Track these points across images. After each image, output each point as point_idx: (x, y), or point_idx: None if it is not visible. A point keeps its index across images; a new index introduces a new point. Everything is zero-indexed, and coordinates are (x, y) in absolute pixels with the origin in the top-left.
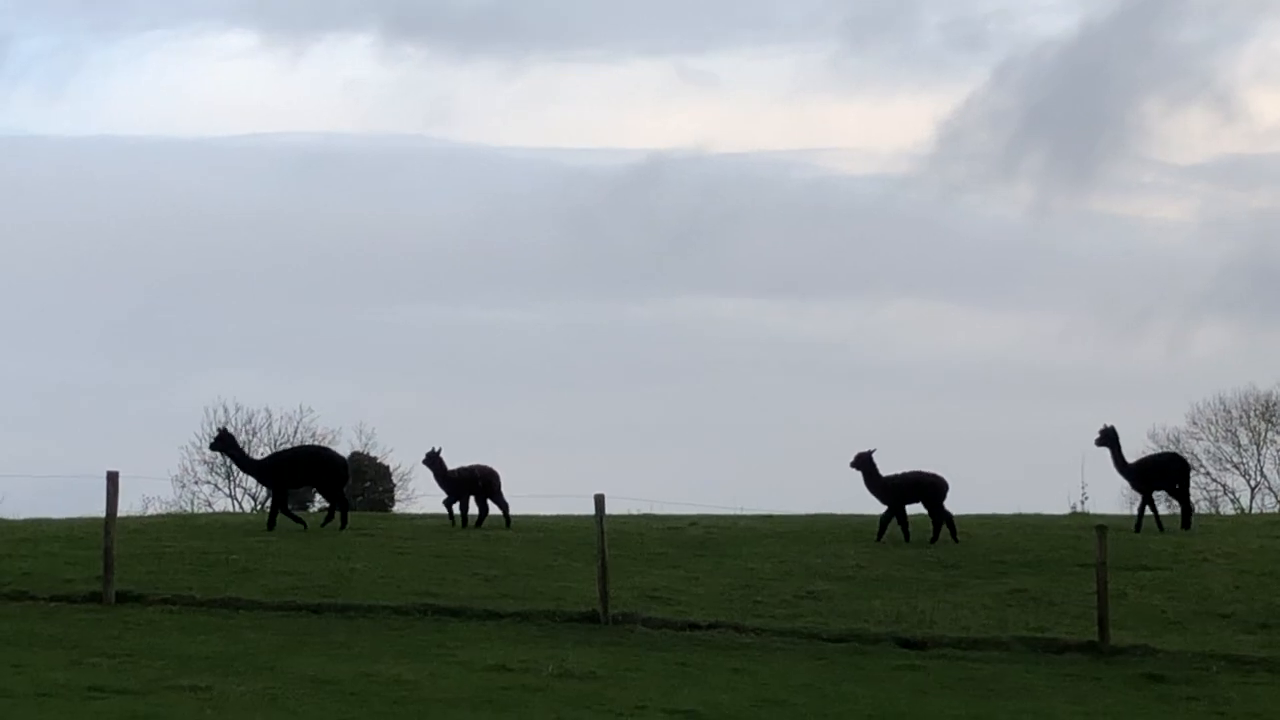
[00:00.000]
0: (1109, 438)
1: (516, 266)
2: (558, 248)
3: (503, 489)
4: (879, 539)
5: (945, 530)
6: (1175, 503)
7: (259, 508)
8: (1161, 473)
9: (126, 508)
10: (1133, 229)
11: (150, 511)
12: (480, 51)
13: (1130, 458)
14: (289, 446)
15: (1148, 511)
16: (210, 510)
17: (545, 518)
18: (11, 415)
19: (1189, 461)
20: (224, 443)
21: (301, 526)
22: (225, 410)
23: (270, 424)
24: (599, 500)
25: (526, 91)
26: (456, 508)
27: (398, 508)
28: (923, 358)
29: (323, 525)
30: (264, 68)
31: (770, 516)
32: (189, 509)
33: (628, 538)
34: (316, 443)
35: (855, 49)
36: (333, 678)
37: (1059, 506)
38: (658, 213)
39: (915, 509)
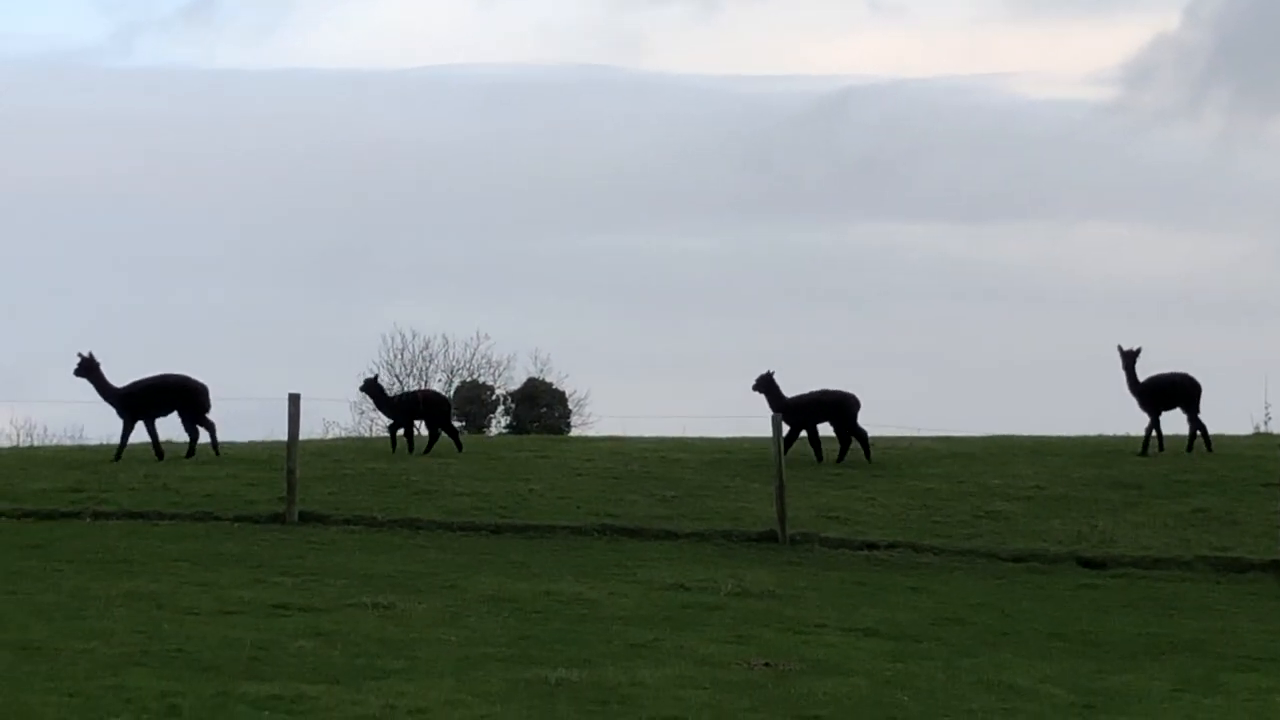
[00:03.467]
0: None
1: (696, 195)
2: (738, 176)
3: (450, 415)
4: (784, 453)
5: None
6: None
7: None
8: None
9: (308, 431)
10: None
11: (330, 435)
12: None
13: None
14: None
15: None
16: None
17: (722, 439)
18: (197, 341)
19: None
20: (86, 369)
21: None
22: (402, 337)
23: (447, 351)
24: (775, 421)
25: (714, 23)
26: (401, 433)
27: (574, 432)
28: (1104, 281)
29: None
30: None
31: (948, 437)
32: (367, 434)
33: (805, 458)
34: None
35: None
36: (513, 596)
37: (1242, 427)
38: (839, 140)
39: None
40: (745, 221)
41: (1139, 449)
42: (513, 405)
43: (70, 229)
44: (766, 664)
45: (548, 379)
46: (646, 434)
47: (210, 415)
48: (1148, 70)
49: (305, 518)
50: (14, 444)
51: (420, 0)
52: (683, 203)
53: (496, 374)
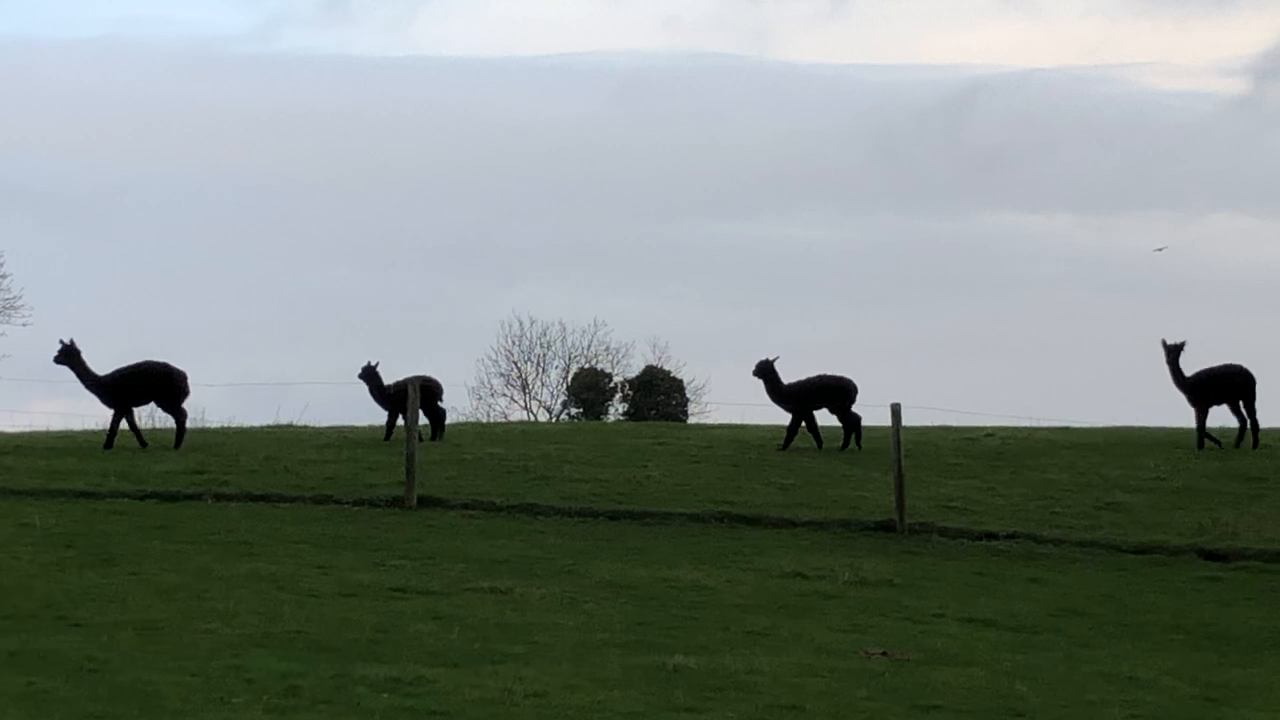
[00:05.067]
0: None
1: (821, 184)
2: (862, 165)
3: (441, 400)
4: (784, 448)
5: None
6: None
7: (554, 419)
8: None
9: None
10: None
11: (449, 420)
12: None
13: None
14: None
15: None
16: (506, 420)
17: (841, 428)
18: (320, 324)
19: None
20: (67, 356)
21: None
22: (520, 324)
23: (564, 338)
24: (895, 410)
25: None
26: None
27: (691, 420)
28: (1230, 273)
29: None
30: None
31: (1068, 428)
32: (485, 419)
33: (924, 448)
34: None
35: None
36: (631, 582)
37: None
38: (964, 130)
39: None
40: (869, 211)
41: (1200, 444)
42: (630, 392)
43: (202, 213)
44: (884, 653)
45: (666, 367)
46: (765, 422)
47: (185, 405)
48: (1278, 63)
49: (424, 502)
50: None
51: None
52: (807, 192)
53: (614, 361)
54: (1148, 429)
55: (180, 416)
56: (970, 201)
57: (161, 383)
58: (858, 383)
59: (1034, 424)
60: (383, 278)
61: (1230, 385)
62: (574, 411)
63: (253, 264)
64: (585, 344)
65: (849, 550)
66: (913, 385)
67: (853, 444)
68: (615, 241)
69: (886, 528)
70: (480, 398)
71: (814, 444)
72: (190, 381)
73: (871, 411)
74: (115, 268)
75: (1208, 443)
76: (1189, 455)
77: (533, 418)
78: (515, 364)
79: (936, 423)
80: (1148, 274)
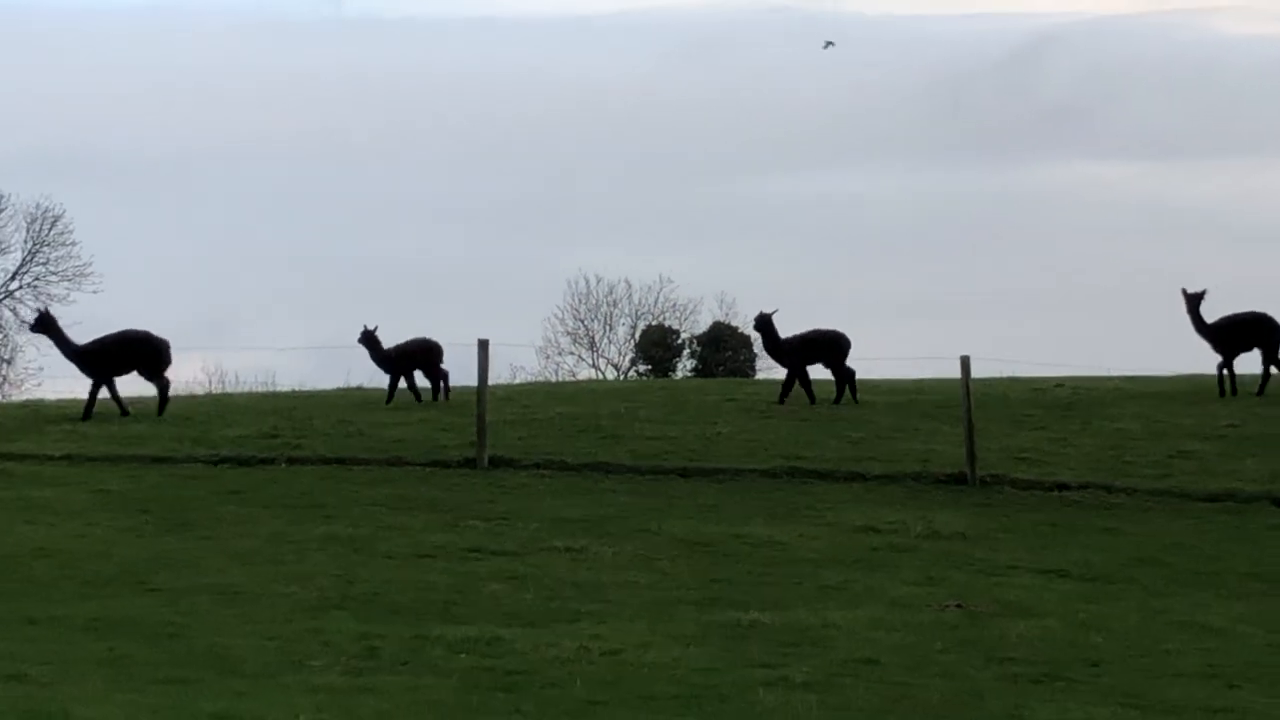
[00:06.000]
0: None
1: (887, 138)
2: (930, 118)
3: (442, 363)
4: (781, 402)
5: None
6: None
7: (622, 376)
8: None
9: (496, 376)
10: None
11: (518, 380)
12: None
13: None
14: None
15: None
16: (575, 379)
17: (910, 381)
18: (387, 288)
19: None
20: (44, 324)
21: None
22: (586, 282)
23: (630, 295)
24: (965, 362)
25: None
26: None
27: (760, 375)
28: None
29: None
30: None
31: (1138, 377)
32: (553, 378)
33: (994, 400)
34: None
35: None
36: (704, 539)
37: None
38: (1034, 81)
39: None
40: (936, 164)
41: (1221, 392)
42: (698, 349)
43: (269, 178)
44: (958, 606)
45: (733, 323)
46: (832, 377)
47: (168, 374)
48: None
49: (496, 462)
50: (207, 391)
51: None
52: (873, 145)
53: (682, 318)
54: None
55: (162, 384)
56: (1040, 153)
57: (143, 351)
58: (850, 336)
59: (1103, 373)
60: (448, 238)
61: (1254, 332)
62: (642, 369)
63: (320, 227)
64: (652, 301)
65: (921, 503)
66: (981, 337)
67: (847, 396)
68: (681, 198)
69: (958, 480)
70: (548, 356)
71: (806, 399)
72: (172, 350)
73: (940, 364)
74: (183, 234)
75: (1191, 391)
76: (1261, 403)
77: (601, 376)
78: (582, 322)
79: (1005, 374)
80: (1221, 221)
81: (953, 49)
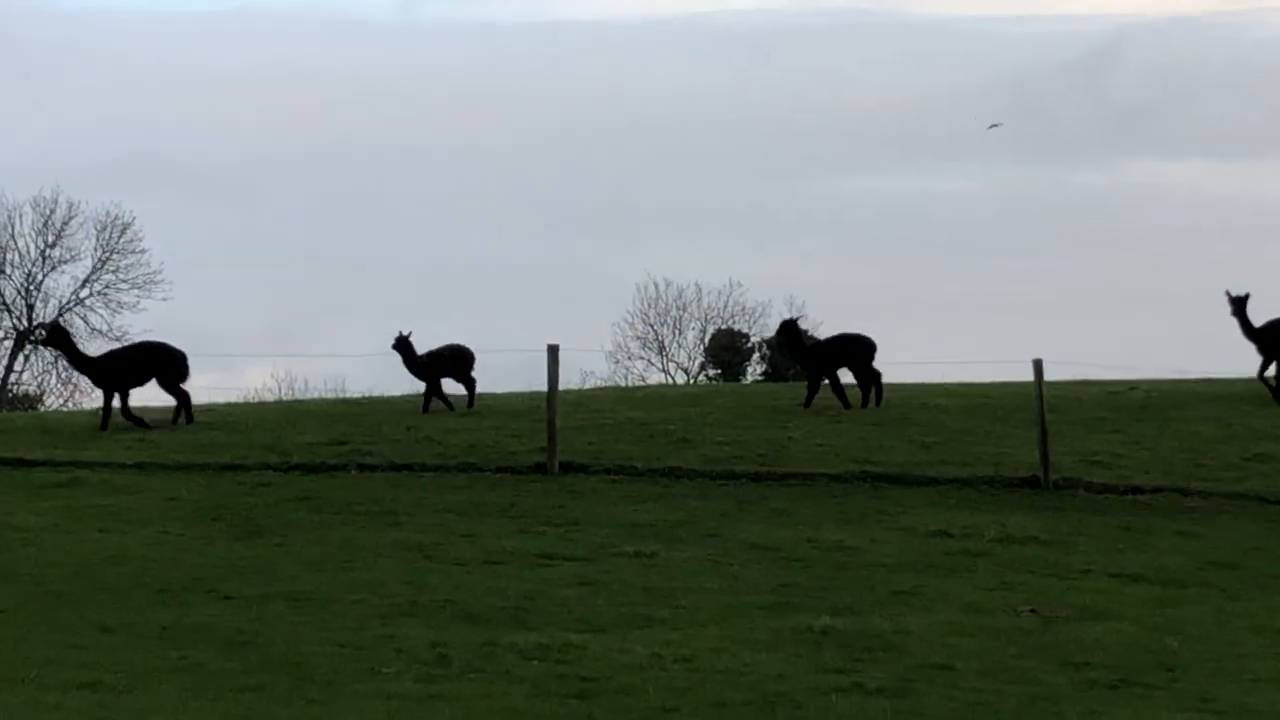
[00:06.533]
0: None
1: (958, 138)
2: (1001, 117)
3: (473, 369)
4: (806, 406)
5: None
6: None
7: (691, 381)
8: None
9: (566, 382)
10: None
11: (588, 385)
12: None
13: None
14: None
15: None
16: (644, 383)
17: (983, 384)
18: (458, 294)
19: None
20: (57, 337)
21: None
22: (656, 286)
23: (700, 299)
24: (1037, 365)
25: None
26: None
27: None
28: None
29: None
30: None
31: (1213, 379)
32: (623, 383)
33: (1066, 402)
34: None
35: None
36: (775, 543)
37: None
38: (1106, 81)
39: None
40: (1008, 164)
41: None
42: (769, 352)
43: (341, 184)
44: (1033, 610)
45: (804, 325)
46: (906, 380)
47: (185, 385)
48: None
49: (566, 467)
50: (278, 398)
51: None
52: (944, 146)
53: (751, 321)
54: None
55: (181, 395)
56: (1112, 152)
57: (158, 363)
58: (876, 340)
59: (1178, 376)
60: (518, 244)
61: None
62: (712, 373)
63: (391, 233)
64: (721, 305)
65: (994, 507)
66: (1053, 339)
67: (873, 401)
68: (750, 201)
69: (1031, 484)
70: (618, 361)
71: (839, 405)
72: (190, 362)
73: (1013, 367)
74: (253, 240)
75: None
76: None
77: (670, 380)
78: (652, 326)
79: (1079, 377)
80: None
81: (1023, 49)
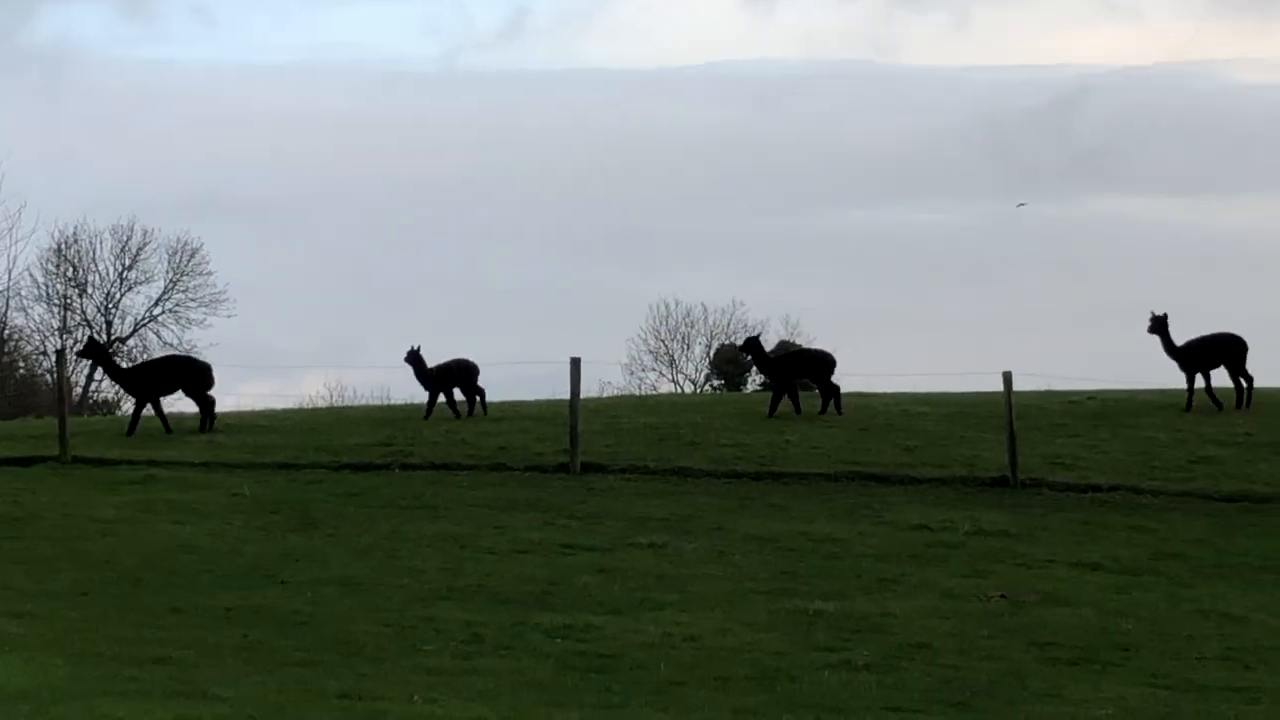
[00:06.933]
0: (1160, 326)
1: (938, 175)
2: (978, 158)
3: (478, 380)
4: (770, 415)
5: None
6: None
7: (698, 390)
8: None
9: (586, 390)
10: None
11: (605, 394)
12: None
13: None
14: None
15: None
16: (656, 392)
17: (958, 394)
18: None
19: None
20: (92, 350)
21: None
22: (667, 306)
23: (705, 317)
24: (1007, 377)
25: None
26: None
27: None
28: None
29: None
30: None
31: (1164, 390)
32: (637, 392)
33: (1032, 411)
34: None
35: None
36: (773, 535)
37: None
38: (1070, 124)
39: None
40: (982, 199)
41: (1188, 406)
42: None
43: (386, 216)
44: (1003, 596)
45: (798, 341)
46: (890, 390)
47: (212, 393)
48: None
49: (587, 467)
50: (329, 404)
51: (701, 7)
52: (926, 182)
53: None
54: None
55: (206, 403)
56: (1075, 188)
57: (184, 375)
58: (834, 355)
59: (1132, 387)
60: (546, 267)
61: (1221, 351)
62: (715, 383)
63: (432, 258)
64: (725, 322)
65: (968, 504)
66: (1021, 354)
67: (832, 409)
68: (752, 230)
69: (1001, 483)
70: (632, 373)
71: (793, 410)
72: (215, 373)
73: (985, 379)
74: (310, 264)
75: (1208, 403)
76: (1275, 412)
77: (679, 389)
78: (663, 342)
79: (1043, 388)
80: (1237, 250)
81: (997, 97)
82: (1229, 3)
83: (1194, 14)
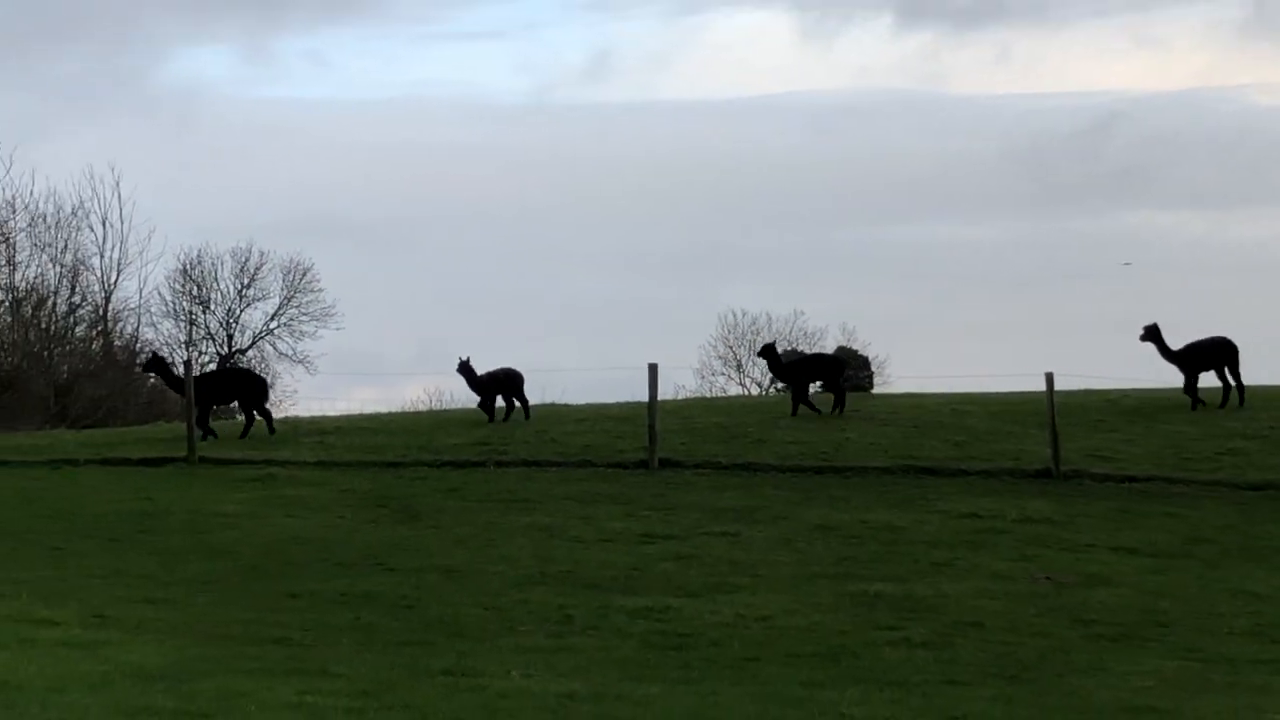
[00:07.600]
0: (1152, 334)
1: (982, 194)
2: (1018, 178)
3: (524, 388)
4: (794, 415)
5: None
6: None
7: (764, 393)
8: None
9: (663, 393)
10: None
11: (680, 396)
12: (975, 31)
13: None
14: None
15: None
16: (725, 394)
17: (1003, 394)
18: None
19: None
20: (155, 364)
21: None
22: (735, 315)
23: (770, 325)
24: (1049, 378)
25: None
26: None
27: (877, 390)
28: None
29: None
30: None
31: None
32: (708, 394)
33: (1072, 408)
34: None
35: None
36: (835, 524)
37: None
38: (1104, 145)
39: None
40: (1023, 215)
41: (1193, 406)
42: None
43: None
44: (1048, 578)
45: (854, 346)
46: (939, 390)
47: (269, 405)
48: None
49: (664, 463)
50: (429, 408)
51: (766, 45)
52: (970, 201)
53: (811, 343)
54: (1262, 387)
55: (265, 414)
56: (1109, 204)
57: (241, 386)
58: (845, 358)
59: (1165, 386)
60: (626, 281)
61: (1219, 354)
62: (779, 386)
63: (522, 274)
64: (787, 330)
65: (1014, 494)
66: (1061, 356)
67: (836, 410)
68: (812, 245)
69: (1044, 475)
70: (704, 377)
71: (812, 412)
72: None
73: (1028, 380)
74: (411, 281)
75: (1231, 400)
76: None
77: (746, 392)
78: (731, 348)
79: (1083, 387)
80: (1259, 260)
81: (1036, 122)
82: (1248, 33)
83: (1216, 44)
